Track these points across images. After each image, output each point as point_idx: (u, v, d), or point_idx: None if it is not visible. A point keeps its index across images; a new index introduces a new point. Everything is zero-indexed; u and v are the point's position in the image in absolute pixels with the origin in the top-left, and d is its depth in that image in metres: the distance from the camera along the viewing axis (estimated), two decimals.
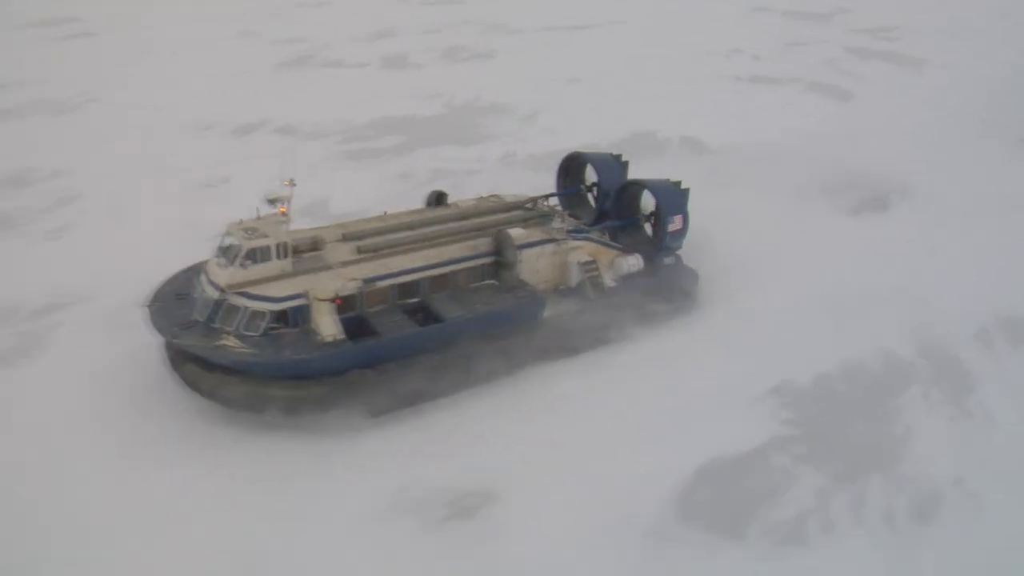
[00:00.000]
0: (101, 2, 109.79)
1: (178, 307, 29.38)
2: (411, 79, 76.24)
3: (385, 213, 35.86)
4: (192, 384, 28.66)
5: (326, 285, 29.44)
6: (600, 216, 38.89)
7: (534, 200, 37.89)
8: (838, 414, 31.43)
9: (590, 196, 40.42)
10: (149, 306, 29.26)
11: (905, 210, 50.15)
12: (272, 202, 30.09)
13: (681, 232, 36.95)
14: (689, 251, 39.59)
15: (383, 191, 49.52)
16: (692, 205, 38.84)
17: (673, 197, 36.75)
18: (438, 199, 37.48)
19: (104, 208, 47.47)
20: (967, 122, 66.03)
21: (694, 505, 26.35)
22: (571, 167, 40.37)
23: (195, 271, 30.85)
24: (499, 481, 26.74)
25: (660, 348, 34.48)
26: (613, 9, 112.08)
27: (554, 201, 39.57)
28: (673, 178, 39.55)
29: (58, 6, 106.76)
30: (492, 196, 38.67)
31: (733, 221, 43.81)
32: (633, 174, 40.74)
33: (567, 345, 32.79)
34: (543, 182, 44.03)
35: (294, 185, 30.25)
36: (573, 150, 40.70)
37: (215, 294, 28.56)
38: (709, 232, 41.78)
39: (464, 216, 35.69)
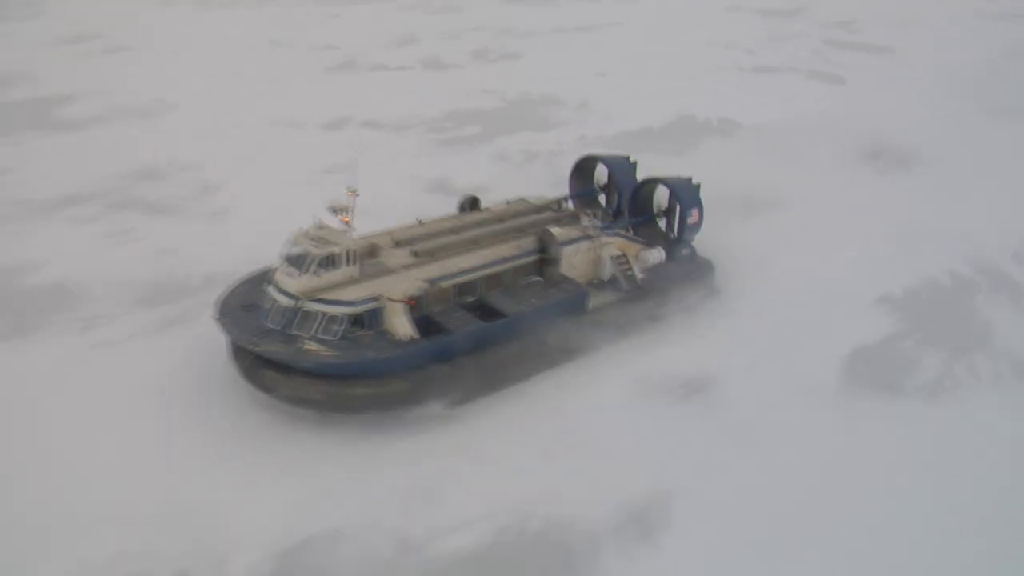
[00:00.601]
0: (117, 20, 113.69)
1: (247, 317, 30.48)
2: (454, 78, 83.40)
3: (419, 221, 37.32)
4: (269, 389, 29.72)
5: (399, 287, 30.83)
6: (616, 214, 41.36)
7: (558, 201, 40.49)
8: (933, 314, 40.26)
9: (602, 196, 43.29)
10: (219, 318, 30.43)
11: (923, 170, 59.53)
12: (336, 211, 31.51)
13: (697, 225, 39.32)
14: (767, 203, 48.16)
15: (491, 170, 56.92)
16: (759, 172, 47.13)
17: (689, 192, 39.06)
18: (472, 204, 39.50)
19: (250, 194, 53.43)
20: (948, 99, 76.29)
21: (858, 375, 34.78)
22: (583, 169, 42.96)
23: (253, 282, 32.56)
24: None
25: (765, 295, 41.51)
26: (605, 13, 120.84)
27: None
28: (730, 153, 47.61)
29: (78, 25, 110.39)
30: (519, 199, 40.68)
31: (791, 182, 52.74)
32: (693, 154, 48.62)
33: (626, 325, 35.48)
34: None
35: (357, 195, 31.73)
36: (585, 153, 43.57)
37: (289, 302, 29.69)
38: (779, 190, 50.61)
39: (500, 219, 37.58)
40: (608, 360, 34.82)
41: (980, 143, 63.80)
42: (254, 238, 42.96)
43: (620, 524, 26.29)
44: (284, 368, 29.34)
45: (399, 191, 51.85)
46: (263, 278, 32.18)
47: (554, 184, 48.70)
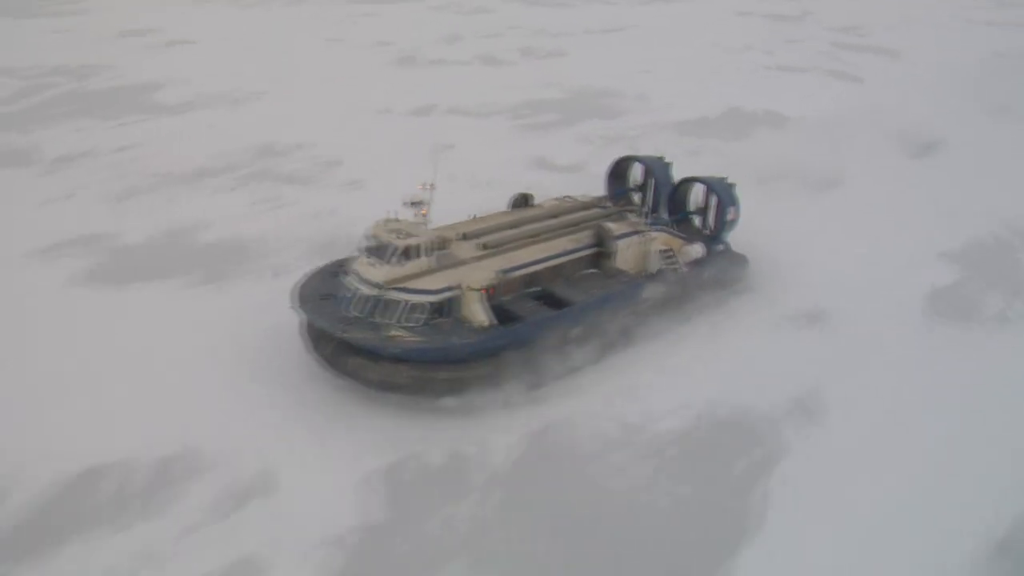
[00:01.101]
0: (163, 16, 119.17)
1: (327, 306, 31.80)
2: (510, 73, 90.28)
3: (474, 216, 38.98)
4: (357, 375, 30.92)
5: (476, 277, 32.19)
6: (652, 211, 42.98)
7: (602, 200, 43.05)
8: (986, 266, 47.74)
9: (636, 195, 45.25)
10: (302, 307, 31.77)
11: (947, 154, 67.40)
12: (414, 204, 33.13)
13: (735, 221, 41.21)
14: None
15: (579, 151, 63.86)
16: (813, 156, 54.73)
17: (728, 191, 40.98)
18: (524, 200, 41.50)
19: (372, 168, 59.67)
20: (953, 95, 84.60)
21: (935, 311, 42.24)
22: (619, 169, 44.88)
23: (323, 273, 34.28)
24: None
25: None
26: (622, 16, 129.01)
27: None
28: (782, 140, 54.80)
29: (128, 20, 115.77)
30: (566, 197, 43.02)
31: (842, 164, 60.61)
32: (749, 141, 55.88)
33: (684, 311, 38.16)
34: (689, 142, 60.60)
35: (434, 188, 33.62)
36: (623, 155, 45.64)
37: (372, 291, 30.99)
38: (833, 171, 58.32)
39: (553, 215, 39.58)
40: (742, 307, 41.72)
41: (989, 135, 71.80)
42: (396, 204, 49.71)
43: (789, 410, 33.40)
44: (369, 354, 30.57)
45: (504, 167, 58.65)
46: (330, 270, 34.12)
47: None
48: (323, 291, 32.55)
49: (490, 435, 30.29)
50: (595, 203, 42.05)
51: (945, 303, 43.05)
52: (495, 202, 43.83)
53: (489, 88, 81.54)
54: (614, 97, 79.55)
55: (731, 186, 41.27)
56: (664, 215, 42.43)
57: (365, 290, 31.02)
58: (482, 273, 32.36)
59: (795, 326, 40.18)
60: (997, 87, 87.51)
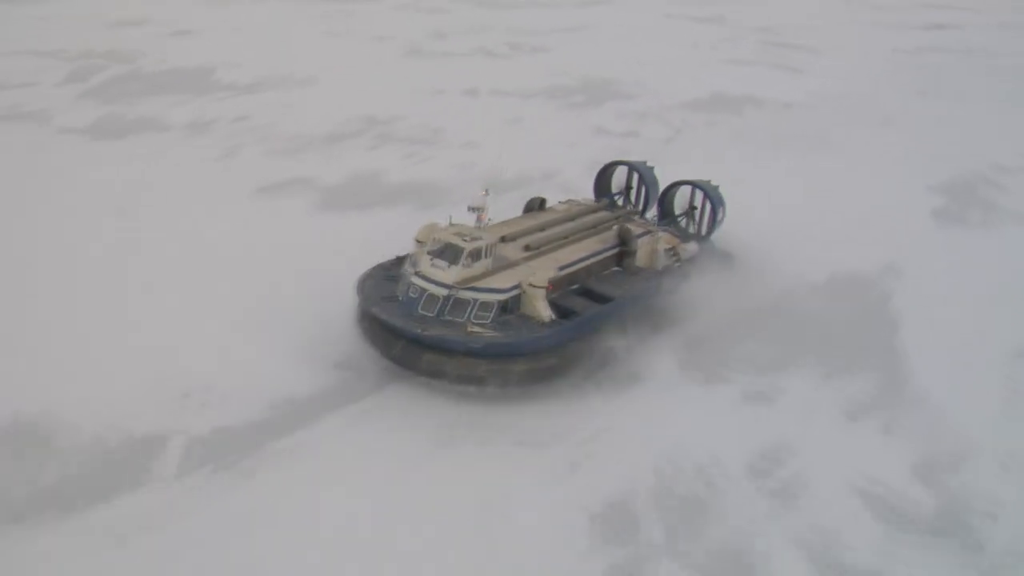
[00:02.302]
0: (147, 7, 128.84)
1: (395, 307, 34.60)
2: (514, 64, 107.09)
3: (499, 222, 41.14)
4: (434, 373, 33.48)
5: (540, 275, 35.03)
6: (640, 213, 47.08)
7: (606, 203, 47.37)
8: (966, 193, 68.82)
9: (619, 198, 49.46)
10: (371, 308, 34.58)
11: (902, 125, 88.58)
12: (474, 210, 36.58)
13: (721, 222, 45.55)
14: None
15: (625, 123, 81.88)
16: (809, 127, 75.33)
17: (717, 193, 45.34)
18: (540, 204, 45.08)
19: (473, 133, 74.95)
20: (881, 83, 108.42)
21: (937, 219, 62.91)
22: (605, 174, 49.00)
23: (376, 277, 37.08)
24: None
25: None
26: (574, 17, 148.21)
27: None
28: (773, 117, 75.24)
29: (117, 10, 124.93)
30: (569, 200, 47.06)
31: (837, 133, 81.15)
32: (744, 118, 76.25)
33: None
34: (701, 117, 79.92)
35: (488, 195, 37.41)
36: (610, 160, 49.87)
37: (442, 291, 33.75)
38: (829, 137, 78.98)
39: (571, 218, 43.06)
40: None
41: (924, 111, 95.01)
42: (516, 161, 66.52)
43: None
44: (445, 351, 33.41)
45: (572, 134, 75.92)
46: (377, 275, 37.39)
47: (669, 136, 75.51)
48: (382, 293, 35.63)
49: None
50: (602, 207, 46.30)
51: (957, 206, 62.52)
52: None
53: (508, 76, 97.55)
54: (617, 84, 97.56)
55: (717, 188, 46.05)
56: (652, 217, 47.27)
57: (435, 290, 33.95)
58: (543, 271, 35.59)
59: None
60: (910, 76, 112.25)
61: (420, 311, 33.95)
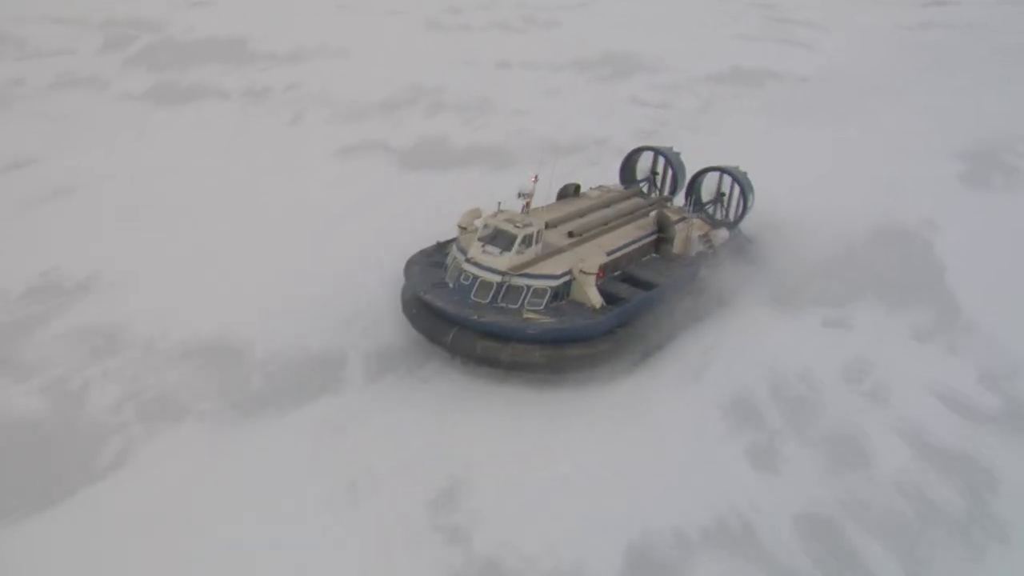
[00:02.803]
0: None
1: (445, 294, 35.58)
2: (533, 38, 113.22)
3: (536, 207, 41.70)
4: (490, 359, 34.44)
5: (590, 262, 35.90)
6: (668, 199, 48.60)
7: (637, 191, 48.45)
8: (986, 158, 77.07)
9: (643, 184, 50.98)
10: (424, 295, 35.53)
11: (915, 97, 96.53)
12: (524, 196, 38.20)
13: (751, 208, 46.60)
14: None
15: (656, 94, 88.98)
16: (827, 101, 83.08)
17: (747, 179, 46.14)
18: (575, 190, 46.17)
19: (520, 102, 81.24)
20: (888, 58, 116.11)
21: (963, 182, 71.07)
22: (631, 161, 50.19)
23: (422, 264, 38.37)
24: None
25: None
26: None
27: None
28: (791, 91, 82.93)
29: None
30: (600, 187, 47.98)
31: (855, 104, 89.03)
32: (766, 90, 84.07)
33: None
34: (727, 90, 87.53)
35: (537, 181, 39.18)
36: (636, 146, 51.16)
37: (495, 278, 34.71)
38: (846, 107, 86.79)
39: (606, 204, 44.10)
40: None
41: (932, 84, 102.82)
42: (569, 126, 73.54)
43: None
44: (500, 337, 34.38)
45: (608, 104, 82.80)
46: (420, 261, 38.79)
47: (700, 107, 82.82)
48: (430, 280, 36.73)
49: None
50: (633, 193, 47.34)
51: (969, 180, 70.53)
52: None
53: (530, 49, 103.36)
54: (638, 59, 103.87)
55: (746, 174, 46.77)
56: (680, 203, 48.42)
57: (488, 277, 34.95)
58: (593, 258, 36.48)
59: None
60: (916, 51, 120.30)
61: (473, 298, 35.02)
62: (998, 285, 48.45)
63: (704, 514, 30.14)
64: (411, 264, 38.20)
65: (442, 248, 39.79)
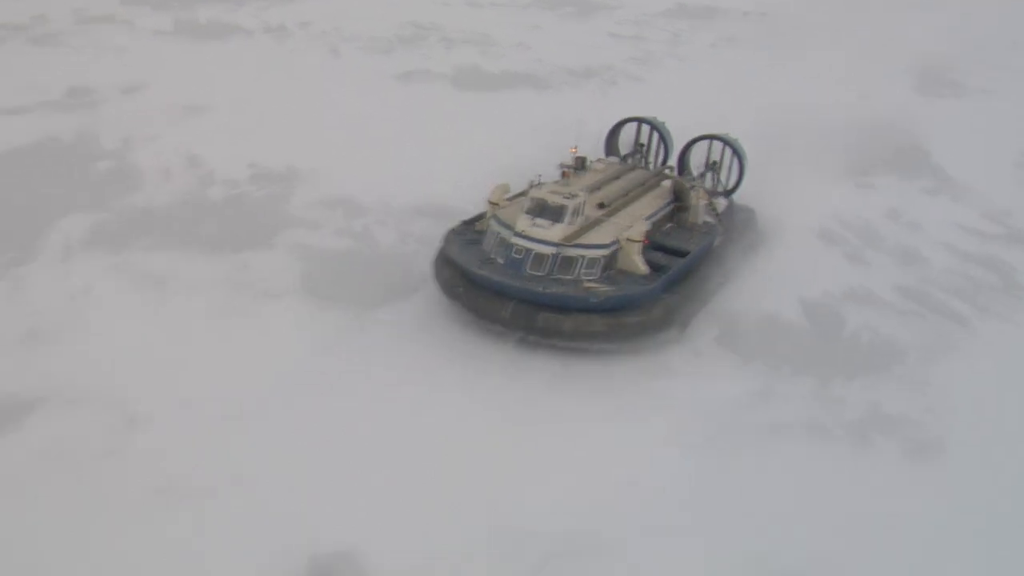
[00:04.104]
0: None
1: (500, 270, 37.69)
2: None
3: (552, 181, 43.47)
4: (551, 331, 36.78)
5: (636, 230, 38.95)
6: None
7: (639, 162, 51.66)
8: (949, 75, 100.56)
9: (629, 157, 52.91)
10: (481, 272, 37.51)
11: (853, 30, 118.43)
12: (566, 167, 43.35)
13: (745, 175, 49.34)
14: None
15: (624, 28, 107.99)
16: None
17: (740, 145, 48.87)
18: (583, 164, 46.70)
19: (510, 38, 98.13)
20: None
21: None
22: (616, 131, 52.40)
23: (457, 243, 40.29)
24: None
25: None
26: None
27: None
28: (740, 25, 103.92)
29: None
30: (599, 159, 50.12)
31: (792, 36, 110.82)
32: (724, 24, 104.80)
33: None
34: (684, 24, 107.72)
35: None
36: (624, 117, 52.78)
37: (550, 249, 37.08)
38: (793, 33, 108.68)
39: (617, 176, 46.60)
40: None
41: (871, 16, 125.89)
42: (572, 57, 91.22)
43: None
44: (561, 309, 36.64)
45: (587, 38, 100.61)
46: (454, 240, 40.80)
47: (670, 39, 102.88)
48: (475, 257, 38.89)
49: None
50: (637, 164, 51.08)
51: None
52: None
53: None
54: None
55: (737, 139, 49.61)
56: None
57: (542, 249, 37.25)
58: (638, 226, 39.28)
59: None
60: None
61: (528, 271, 37.32)
62: (976, 161, 69.04)
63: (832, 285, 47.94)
64: (448, 244, 40.44)
65: (470, 225, 42.34)
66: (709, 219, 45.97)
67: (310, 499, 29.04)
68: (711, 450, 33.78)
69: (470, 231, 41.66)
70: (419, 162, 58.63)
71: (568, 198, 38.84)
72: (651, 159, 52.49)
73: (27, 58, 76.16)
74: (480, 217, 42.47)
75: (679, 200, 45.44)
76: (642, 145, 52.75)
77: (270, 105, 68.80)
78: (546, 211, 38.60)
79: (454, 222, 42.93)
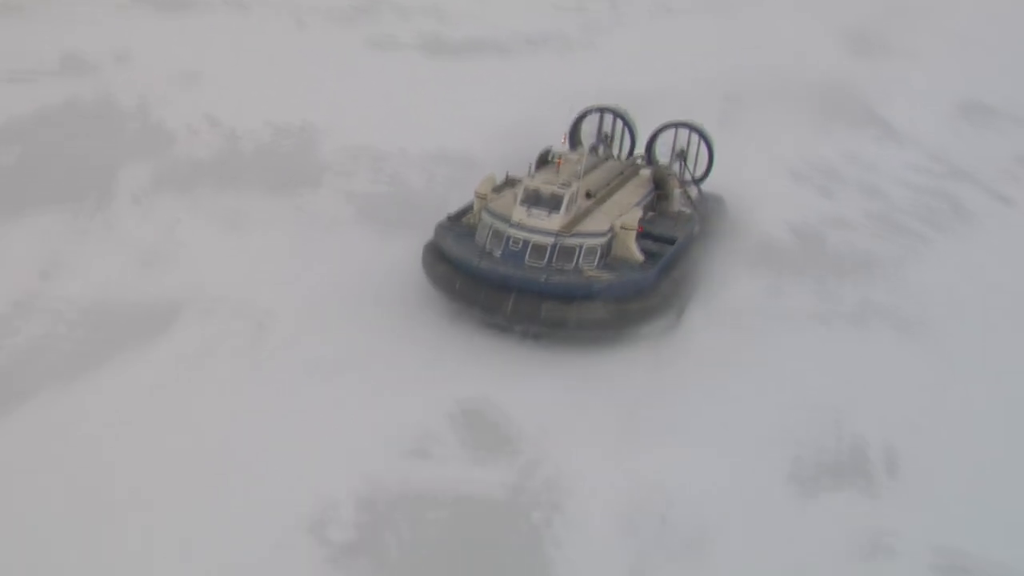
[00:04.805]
0: None
1: (499, 262, 38.80)
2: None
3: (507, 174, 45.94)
4: (555, 322, 37.94)
5: (631, 216, 40.48)
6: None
7: (609, 153, 52.37)
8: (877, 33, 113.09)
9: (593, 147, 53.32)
10: (481, 265, 38.59)
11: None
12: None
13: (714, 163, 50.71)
14: None
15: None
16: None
17: (707, 131, 50.05)
18: (545, 157, 47.46)
19: (459, 11, 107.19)
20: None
21: None
22: (579, 122, 52.73)
23: (447, 239, 41.56)
24: None
25: None
26: None
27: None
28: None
29: None
30: (568, 149, 50.74)
31: None
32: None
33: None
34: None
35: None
36: (587, 107, 52.70)
37: (549, 239, 38.29)
38: None
39: (594, 166, 47.40)
40: None
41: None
42: (512, 20, 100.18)
43: None
44: (564, 298, 37.89)
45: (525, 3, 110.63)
46: (443, 236, 41.89)
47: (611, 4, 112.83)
48: (470, 251, 39.85)
49: None
50: (608, 156, 51.55)
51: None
52: None
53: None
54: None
55: (703, 125, 50.51)
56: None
57: (540, 239, 38.24)
58: (631, 214, 40.65)
59: None
60: None
61: (528, 262, 38.30)
62: (915, 113, 79.74)
63: (809, 214, 58.37)
64: (440, 240, 41.56)
65: (456, 220, 43.30)
66: (685, 208, 47.66)
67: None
68: (737, 330, 42.94)
69: (459, 225, 42.56)
70: (422, 119, 66.50)
71: (563, 187, 40.10)
72: (617, 149, 53.21)
73: (4, 31, 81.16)
74: (467, 211, 43.75)
75: (660, 188, 46.93)
76: (607, 135, 53.43)
77: (258, 72, 75.34)
78: (542, 201, 39.64)
79: (440, 217, 44.46)
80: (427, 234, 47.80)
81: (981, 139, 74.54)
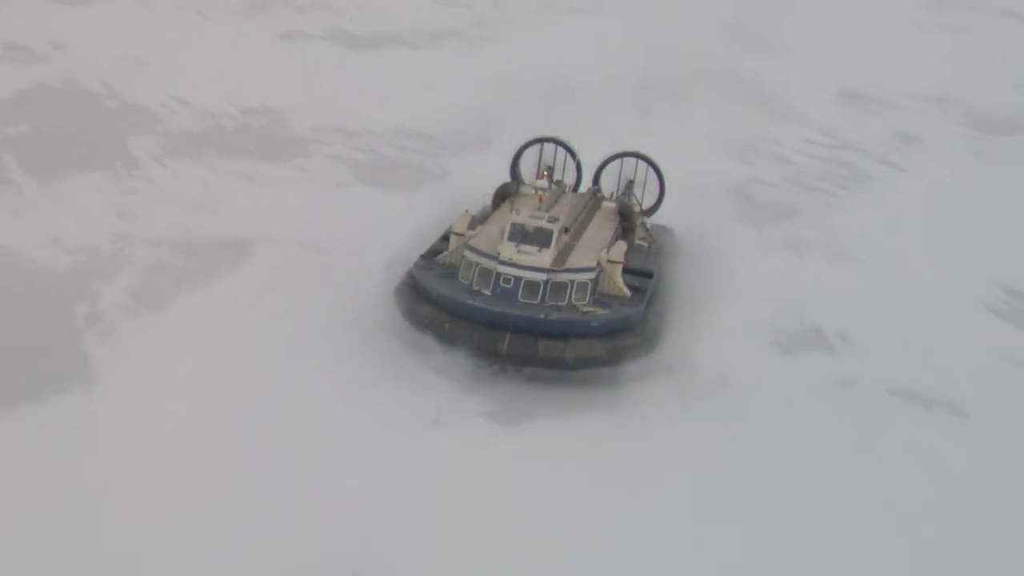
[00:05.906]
0: None
1: (492, 301, 40.01)
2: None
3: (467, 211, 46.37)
4: (551, 361, 39.76)
5: (617, 250, 43.02)
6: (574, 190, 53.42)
7: (565, 187, 52.90)
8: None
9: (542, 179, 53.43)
10: (472, 303, 39.80)
11: None
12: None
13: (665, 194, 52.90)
14: None
15: None
16: None
17: (659, 165, 51.47)
18: (517, 189, 49.71)
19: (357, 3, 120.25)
20: None
21: None
22: (520, 156, 53.51)
23: (428, 279, 42.18)
24: None
25: None
26: None
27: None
28: None
29: None
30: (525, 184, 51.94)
31: None
32: None
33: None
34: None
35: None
36: (528, 140, 53.24)
37: (541, 276, 40.03)
38: None
39: (555, 200, 48.71)
40: None
41: None
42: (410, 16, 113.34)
43: None
44: (561, 336, 39.82)
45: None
46: (421, 275, 42.57)
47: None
48: (456, 290, 41.07)
49: None
50: (564, 189, 52.17)
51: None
52: None
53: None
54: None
55: (652, 158, 51.70)
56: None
57: (532, 276, 40.01)
58: (617, 250, 42.97)
59: None
60: None
61: (521, 299, 39.83)
62: (802, 99, 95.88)
63: (735, 177, 73.70)
64: (421, 279, 42.24)
65: (430, 259, 44.11)
66: (642, 241, 49.37)
67: None
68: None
69: (436, 265, 43.37)
70: (372, 103, 78.09)
71: (551, 222, 41.58)
72: (561, 181, 53.35)
73: None
74: (439, 250, 44.51)
75: (626, 221, 48.40)
76: (550, 167, 53.58)
77: (197, 58, 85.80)
78: (528, 236, 41.02)
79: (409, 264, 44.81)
80: (417, 192, 59.69)
81: (863, 119, 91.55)
